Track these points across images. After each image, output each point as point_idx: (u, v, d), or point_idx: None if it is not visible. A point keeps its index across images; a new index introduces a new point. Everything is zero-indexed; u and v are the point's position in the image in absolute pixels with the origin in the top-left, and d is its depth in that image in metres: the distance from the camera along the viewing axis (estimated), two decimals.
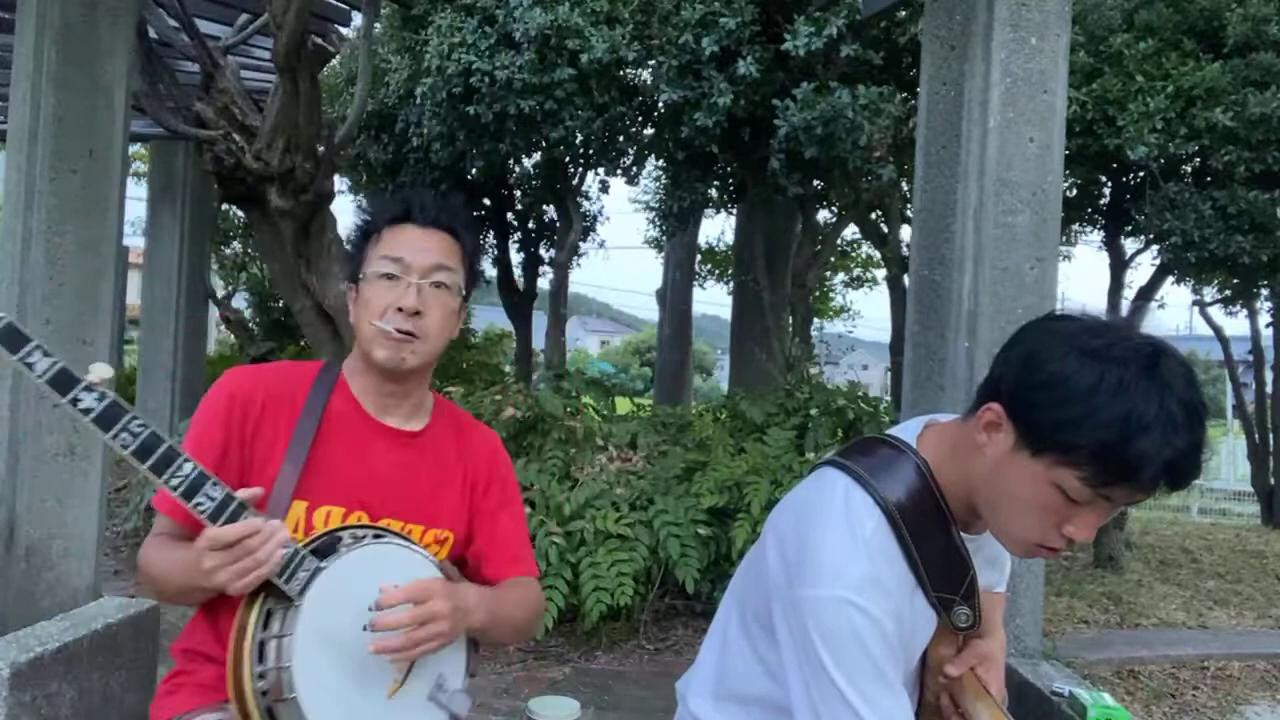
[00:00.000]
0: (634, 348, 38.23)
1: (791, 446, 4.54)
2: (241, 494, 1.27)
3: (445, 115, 6.39)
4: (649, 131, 7.26)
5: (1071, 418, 1.01)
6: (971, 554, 1.21)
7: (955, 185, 3.03)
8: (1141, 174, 5.48)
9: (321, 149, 4.93)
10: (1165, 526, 8.72)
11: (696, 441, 4.89)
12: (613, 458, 4.61)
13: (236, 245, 11.26)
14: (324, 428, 1.45)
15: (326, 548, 1.30)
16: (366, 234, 1.52)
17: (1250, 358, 9.85)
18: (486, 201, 9.76)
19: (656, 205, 8.46)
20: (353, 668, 1.27)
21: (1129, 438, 0.98)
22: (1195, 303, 9.07)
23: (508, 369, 10.31)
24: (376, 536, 1.36)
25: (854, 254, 12.32)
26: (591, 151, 7.60)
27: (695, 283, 12.17)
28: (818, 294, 11.08)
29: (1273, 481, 9.15)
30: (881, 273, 10.36)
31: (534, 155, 8.30)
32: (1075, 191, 6.15)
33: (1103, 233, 6.60)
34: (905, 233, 7.43)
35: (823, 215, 9.05)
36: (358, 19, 5.52)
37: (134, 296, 9.20)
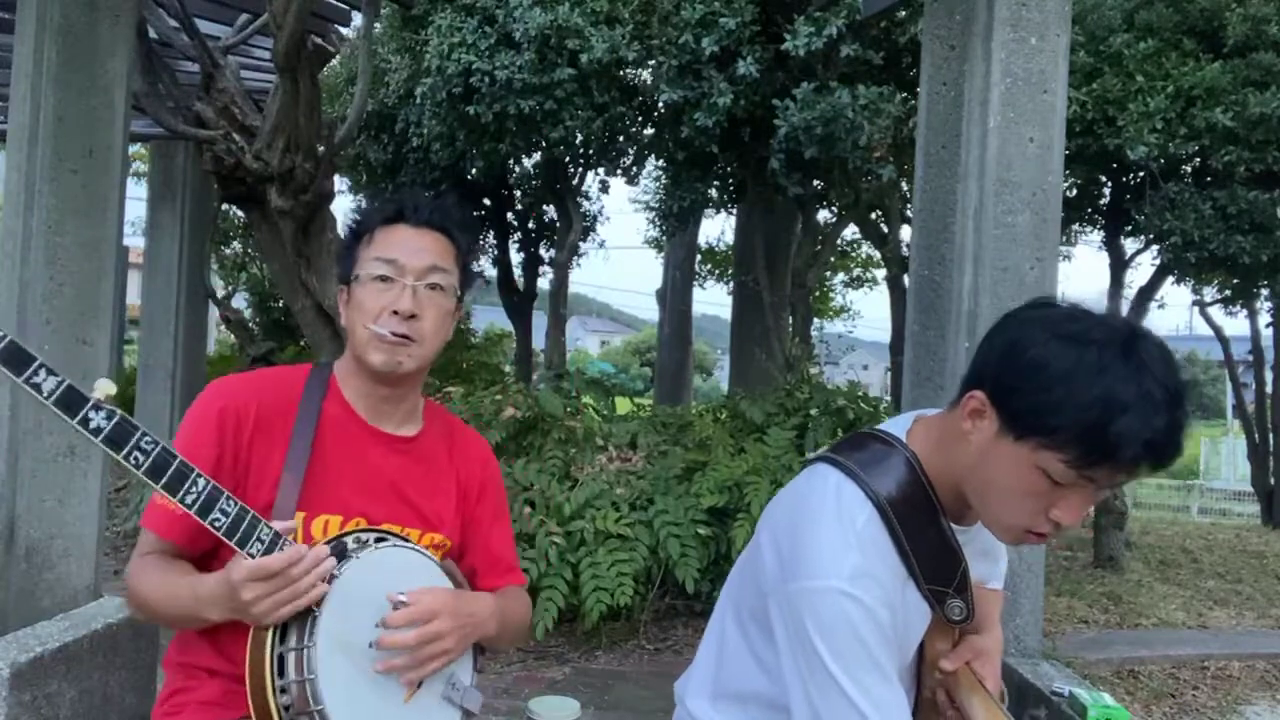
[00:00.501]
0: (634, 348, 38.23)
1: (791, 446, 4.54)
2: (279, 526, 1.25)
3: (445, 115, 6.39)
4: (649, 131, 7.27)
5: (1052, 401, 1.02)
6: (963, 546, 1.21)
7: (955, 185, 3.04)
8: (1141, 174, 5.48)
9: (321, 149, 4.92)
10: (1165, 526, 8.71)
11: (696, 441, 4.89)
12: (613, 458, 4.61)
13: (236, 245, 11.26)
14: (320, 436, 1.42)
15: (335, 554, 1.29)
16: (358, 234, 1.48)
17: (1250, 358, 9.86)
18: (486, 201, 9.76)
19: (656, 205, 8.46)
20: (371, 673, 1.27)
21: (1109, 418, 1.00)
22: (1195, 303, 9.08)
23: (508, 369, 10.31)
24: (379, 540, 1.36)
25: (854, 254, 12.32)
26: (591, 151, 7.61)
27: (695, 283, 12.18)
28: (818, 294, 11.08)
29: (1273, 481, 9.16)
30: (881, 273, 10.36)
31: (534, 155, 8.31)
32: (1075, 191, 6.15)
33: (1103, 233, 6.60)
34: (905, 233, 7.43)
35: (823, 215, 9.05)
36: (358, 19, 5.51)
37: (134, 296, 9.20)
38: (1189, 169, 5.49)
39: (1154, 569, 6.12)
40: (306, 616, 1.23)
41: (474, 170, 7.86)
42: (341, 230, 1.57)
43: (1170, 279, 6.62)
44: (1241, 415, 10.36)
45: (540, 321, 10.54)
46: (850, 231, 10.41)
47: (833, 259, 10.84)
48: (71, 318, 2.81)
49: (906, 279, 4.36)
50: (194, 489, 1.19)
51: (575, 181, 9.04)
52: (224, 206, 6.20)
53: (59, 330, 2.79)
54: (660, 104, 6.28)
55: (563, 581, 3.88)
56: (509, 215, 10.18)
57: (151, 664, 2.86)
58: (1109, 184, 6.14)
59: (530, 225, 10.27)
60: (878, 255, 10.53)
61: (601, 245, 11.15)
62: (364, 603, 1.27)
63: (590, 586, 3.88)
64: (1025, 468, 1.06)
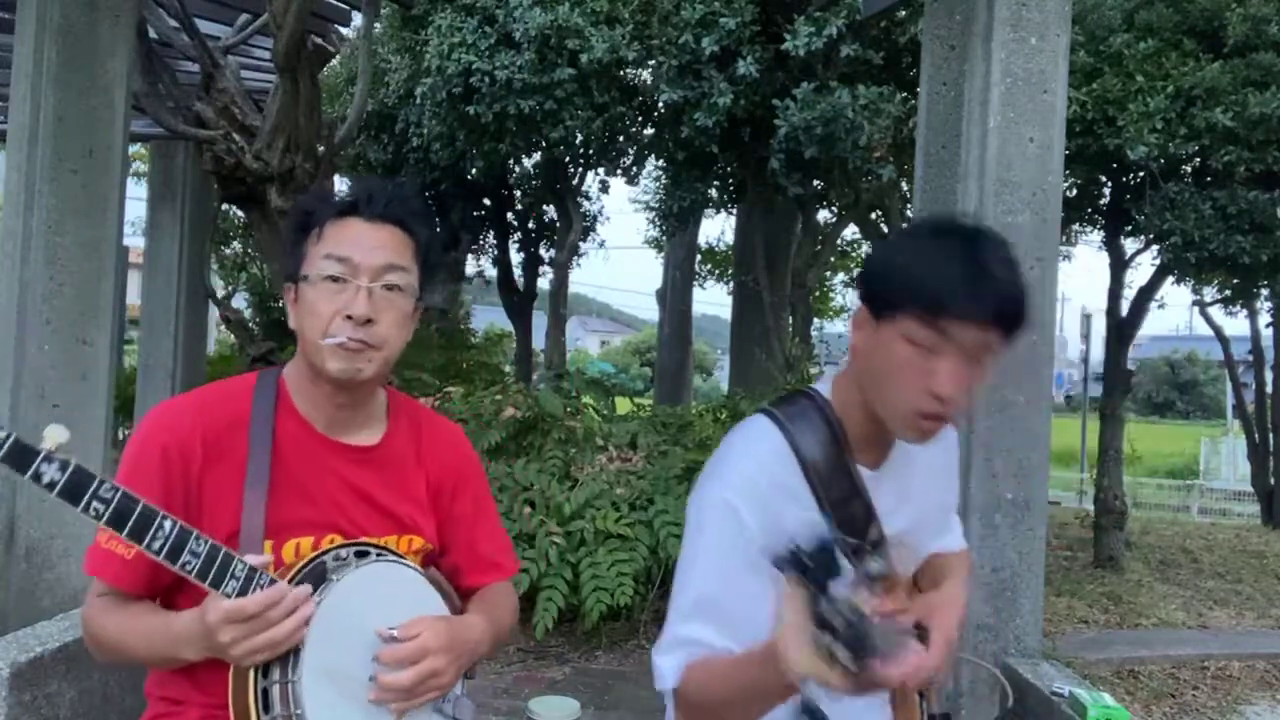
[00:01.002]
0: (634, 348, 38.22)
1: None
2: (253, 560, 1.18)
3: (445, 115, 6.40)
4: (649, 131, 7.27)
5: (895, 275, 1.20)
6: (895, 500, 1.32)
7: (955, 185, 3.03)
8: (1141, 174, 5.48)
9: (321, 149, 4.92)
10: (1165, 526, 8.71)
11: (696, 441, 4.89)
12: (613, 458, 4.61)
13: (236, 245, 11.27)
14: (277, 453, 1.32)
15: (313, 579, 1.22)
16: (306, 228, 1.34)
17: (1250, 358, 9.86)
18: (486, 201, 9.77)
19: (656, 205, 8.47)
20: (360, 697, 1.23)
21: (939, 270, 1.16)
22: (1195, 303, 9.07)
23: (508, 369, 10.31)
24: (360, 555, 1.29)
25: (854, 254, 12.32)
26: (591, 151, 7.61)
27: (695, 283, 12.18)
28: (818, 294, 11.08)
29: (1273, 481, 9.15)
30: None
31: (534, 155, 8.31)
32: (1075, 191, 6.14)
33: (1103, 233, 6.60)
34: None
35: (823, 215, 9.05)
36: (358, 19, 5.51)
37: (134, 296, 9.20)
38: (1189, 169, 5.48)
39: (1154, 569, 6.13)
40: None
41: (474, 170, 7.87)
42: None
43: (1170, 279, 6.61)
44: (1241, 415, 10.36)
45: (540, 321, 10.55)
46: (850, 231, 10.41)
47: (833, 259, 10.84)
48: (71, 318, 2.81)
49: None
50: (160, 534, 1.11)
51: (575, 181, 9.05)
52: (224, 206, 6.20)
53: (59, 330, 2.79)
54: (660, 104, 6.29)
55: (563, 581, 3.88)
56: (509, 215, 10.19)
57: None
58: (1109, 184, 6.13)
59: (530, 225, 10.28)
60: None
61: (601, 245, 11.16)
62: (349, 629, 1.22)
63: (590, 586, 3.88)
64: (894, 343, 1.19)
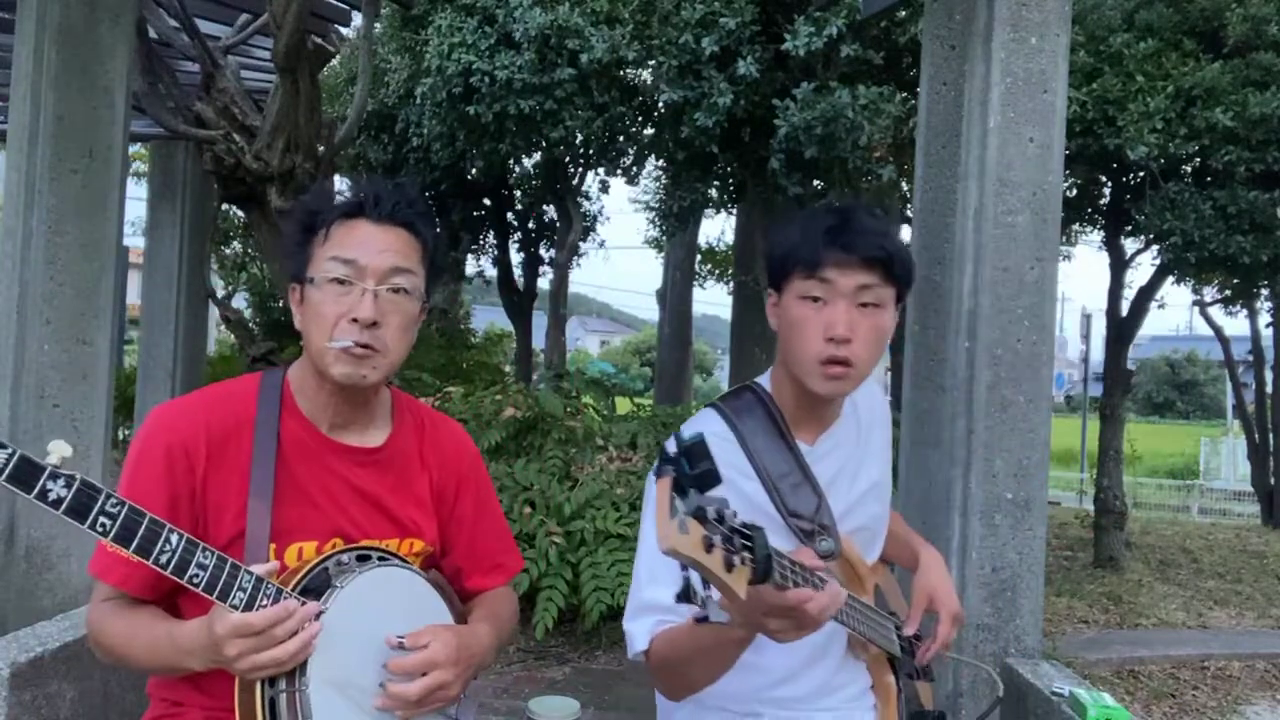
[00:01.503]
0: (634, 348, 38.22)
1: None
2: (259, 570, 1.18)
3: (445, 115, 6.39)
4: (649, 131, 7.26)
5: (776, 249, 1.41)
6: (835, 472, 1.45)
7: (955, 185, 3.03)
8: (1141, 174, 5.48)
9: (321, 149, 4.92)
10: (1165, 526, 8.72)
11: None
12: (613, 458, 4.61)
13: (236, 245, 11.27)
14: (281, 456, 1.31)
15: (316, 585, 1.22)
16: (311, 229, 1.33)
17: (1250, 358, 9.86)
18: (486, 201, 9.77)
19: (656, 205, 8.46)
20: (368, 704, 1.22)
21: (812, 230, 1.36)
22: (1195, 303, 9.07)
23: (508, 369, 10.31)
24: (361, 559, 1.29)
25: None
26: (591, 151, 7.61)
27: (695, 283, 12.18)
28: None
29: (1273, 481, 9.16)
30: None
31: (534, 155, 8.31)
32: (1075, 191, 6.14)
33: (1103, 233, 6.60)
34: (905, 233, 7.43)
35: None
36: (358, 19, 5.51)
37: (134, 296, 9.20)
38: (1189, 169, 5.48)
39: (1154, 569, 6.13)
40: None
41: (474, 170, 7.87)
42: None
43: (1170, 279, 6.61)
44: (1241, 415, 10.36)
45: (540, 321, 10.55)
46: None
47: None
48: (71, 318, 2.81)
49: None
50: (167, 548, 1.11)
51: (575, 181, 9.05)
52: (224, 206, 6.20)
53: (59, 330, 2.79)
54: (660, 104, 6.28)
55: (563, 581, 3.88)
56: (509, 215, 10.19)
57: None
58: (1109, 184, 6.13)
59: (530, 225, 10.28)
60: None
61: (601, 245, 11.16)
62: (355, 636, 1.22)
63: (590, 586, 3.88)
64: (793, 307, 1.37)
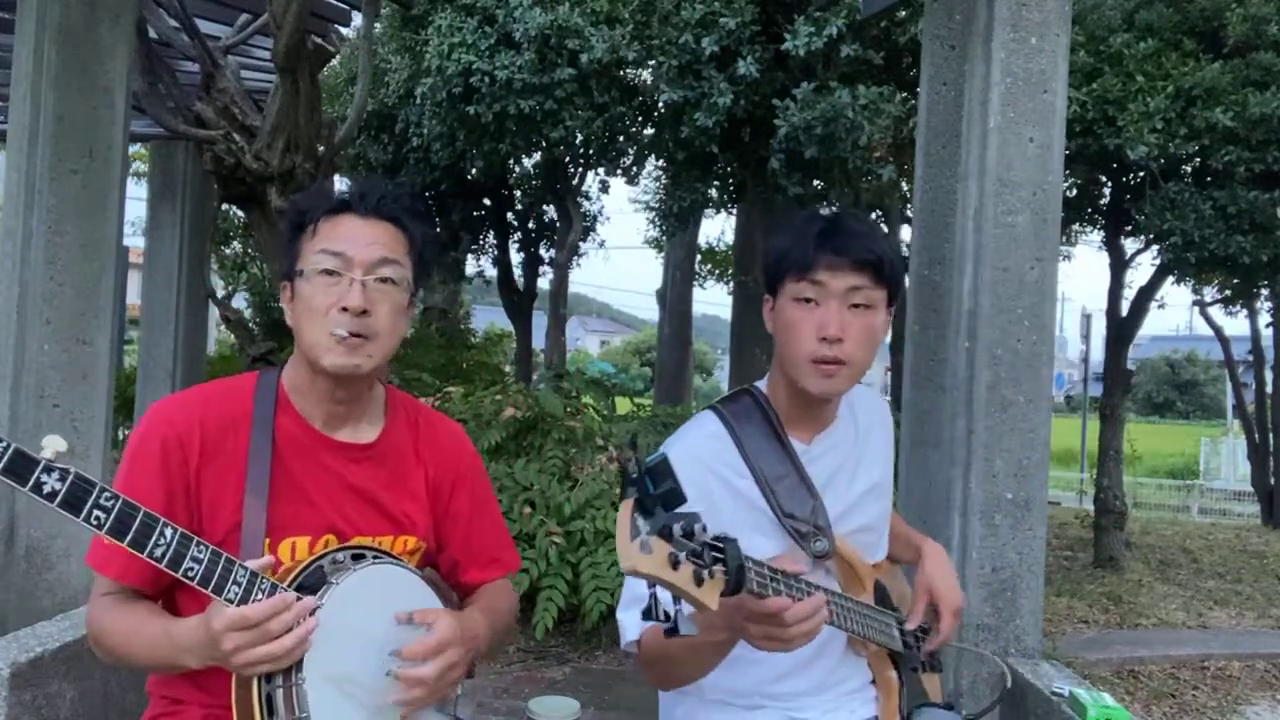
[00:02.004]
0: (634, 348, 38.21)
1: None
2: (254, 565, 1.18)
3: (445, 115, 6.39)
4: (649, 131, 7.26)
5: (770, 254, 1.47)
6: (832, 472, 1.47)
7: (955, 185, 3.03)
8: (1141, 174, 5.48)
9: (321, 149, 4.92)
10: (1165, 526, 8.72)
11: None
12: (613, 458, 4.61)
13: (236, 245, 11.26)
14: (277, 456, 1.33)
15: (312, 582, 1.22)
16: (300, 226, 1.36)
17: (1250, 358, 9.86)
18: (486, 201, 9.77)
19: (656, 205, 8.46)
20: (366, 701, 1.22)
21: (803, 235, 1.42)
22: (1195, 303, 9.07)
23: (508, 369, 10.31)
24: (356, 558, 1.29)
25: None
26: (591, 151, 7.61)
27: (695, 283, 12.18)
28: None
29: (1273, 481, 9.16)
30: None
31: (534, 155, 8.31)
32: (1075, 191, 6.14)
33: (1103, 233, 6.60)
34: (905, 233, 7.43)
35: None
36: (358, 19, 5.51)
37: (134, 296, 9.20)
38: (1189, 169, 5.48)
39: (1154, 569, 6.13)
40: None
41: (474, 170, 7.87)
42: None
43: (1170, 279, 6.62)
44: (1241, 415, 10.36)
45: (540, 321, 10.55)
46: None
47: None
48: (71, 318, 2.81)
49: (906, 279, 4.36)
50: (162, 541, 1.11)
51: (575, 181, 9.05)
52: (224, 206, 6.20)
53: (59, 330, 2.79)
54: (660, 104, 6.28)
55: (563, 581, 3.88)
56: (509, 215, 10.19)
57: None
58: (1109, 184, 6.13)
59: (530, 225, 10.28)
60: None
61: (601, 245, 11.17)
62: (352, 632, 1.22)
63: (590, 586, 3.88)
64: (787, 309, 1.42)
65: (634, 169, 8.61)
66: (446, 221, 9.37)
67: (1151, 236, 5.84)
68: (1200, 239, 5.07)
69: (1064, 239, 7.28)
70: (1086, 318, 17.58)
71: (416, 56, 6.80)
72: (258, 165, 4.59)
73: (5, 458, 1.04)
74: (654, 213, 8.87)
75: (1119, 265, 6.54)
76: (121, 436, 7.94)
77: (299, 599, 1.17)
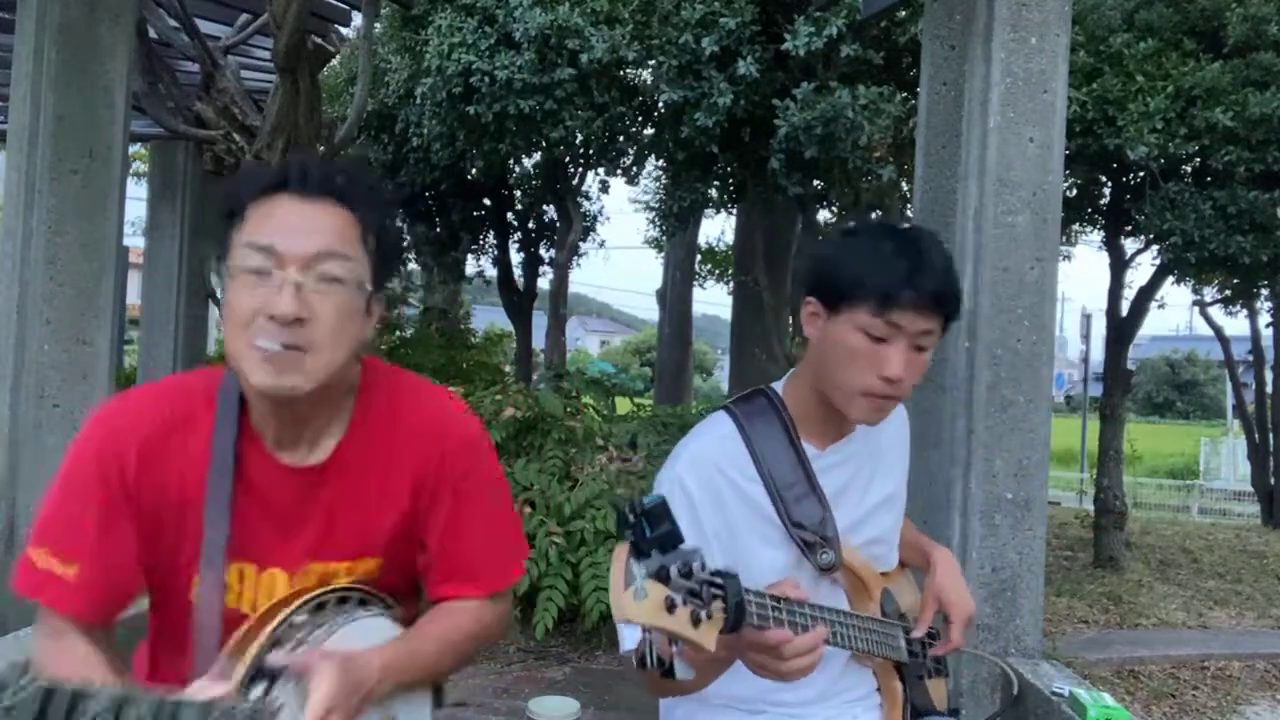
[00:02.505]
0: (634, 348, 38.20)
1: None
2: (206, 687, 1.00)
3: (445, 115, 6.39)
4: (649, 131, 7.26)
5: (843, 270, 1.33)
6: (845, 481, 1.43)
7: (955, 185, 3.04)
8: (1141, 174, 5.48)
9: (322, 149, 4.93)
10: (1165, 526, 8.72)
11: None
12: (613, 458, 4.61)
13: None
14: (239, 469, 1.15)
15: (268, 677, 1.05)
16: (230, 214, 1.11)
17: (1250, 358, 9.85)
18: (486, 201, 9.77)
19: (656, 205, 8.46)
20: None
21: (887, 267, 1.29)
22: (1195, 303, 9.06)
23: (508, 369, 10.31)
24: (316, 625, 1.12)
25: None
26: (591, 151, 7.61)
27: (695, 283, 12.18)
28: None
29: (1273, 481, 9.15)
30: None
31: (534, 155, 8.31)
32: (1075, 191, 6.14)
33: (1103, 233, 6.60)
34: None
35: (823, 215, 9.04)
36: (358, 19, 5.51)
37: (134, 296, 9.20)
38: (1189, 169, 5.48)
39: (1154, 569, 6.13)
40: None
41: (474, 170, 7.87)
42: None
43: (1170, 279, 6.61)
44: (1241, 415, 10.35)
45: (540, 321, 10.55)
46: None
47: None
48: (71, 318, 2.81)
49: None
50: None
51: (575, 181, 9.05)
52: None
53: (59, 330, 2.79)
54: (660, 104, 6.28)
55: (563, 581, 3.88)
56: (509, 215, 10.18)
57: None
58: (1109, 184, 6.13)
59: (530, 225, 10.27)
60: None
61: (601, 245, 11.15)
62: None
63: (590, 586, 3.88)
64: (848, 334, 1.32)
65: (634, 169, 8.62)
66: (446, 221, 9.38)
67: (1151, 236, 5.83)
68: (1200, 239, 5.07)
69: (1064, 239, 7.27)
70: (1086, 318, 17.58)
71: (416, 56, 6.80)
72: (258, 165, 4.59)
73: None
74: (654, 213, 8.87)
75: (1119, 265, 6.53)
76: None
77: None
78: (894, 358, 1.30)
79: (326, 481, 1.19)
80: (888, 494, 1.51)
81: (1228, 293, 8.17)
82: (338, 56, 7.18)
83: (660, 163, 8.13)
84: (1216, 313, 9.30)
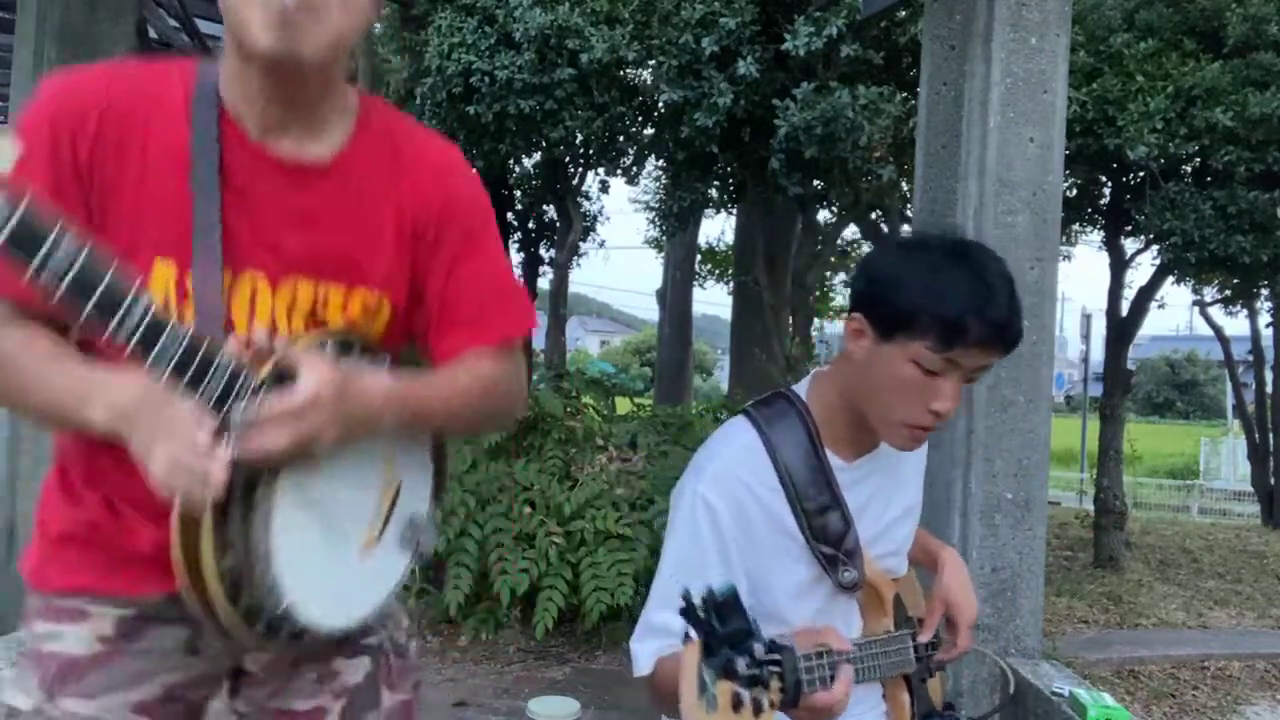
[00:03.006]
0: (634, 348, 38.20)
1: None
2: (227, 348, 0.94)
3: (445, 115, 6.39)
4: (649, 131, 7.26)
5: (904, 297, 1.22)
6: (868, 497, 1.37)
7: (955, 185, 3.04)
8: (1141, 174, 5.48)
9: None
10: (1165, 526, 8.72)
11: (696, 441, 4.87)
12: (613, 458, 4.61)
13: None
14: (224, 158, 1.04)
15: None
16: None
17: (1250, 358, 9.86)
18: None
19: (656, 205, 8.47)
20: (324, 527, 1.05)
21: (954, 303, 1.19)
22: (1195, 303, 9.07)
23: None
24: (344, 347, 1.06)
25: (854, 254, 12.31)
26: (591, 151, 7.60)
27: (695, 283, 12.18)
28: (818, 294, 11.08)
29: (1273, 481, 9.15)
30: None
31: (534, 155, 8.30)
32: (1075, 191, 6.15)
33: (1103, 233, 6.60)
34: (905, 233, 7.42)
35: (823, 215, 9.05)
36: None
37: None
38: (1189, 169, 5.48)
39: (1154, 569, 6.13)
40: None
41: (474, 170, 7.85)
42: None
43: (1170, 279, 6.61)
44: (1241, 415, 10.36)
45: (540, 321, 10.55)
46: (850, 231, 10.42)
47: (833, 259, 10.84)
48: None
49: None
50: (129, 316, 0.87)
51: (575, 181, 9.04)
52: None
53: None
54: (660, 104, 6.28)
55: (563, 581, 3.88)
56: (509, 215, 10.19)
57: None
58: (1109, 184, 6.13)
59: (530, 225, 10.27)
60: None
61: (601, 245, 11.15)
62: (340, 460, 1.04)
63: (590, 586, 3.88)
64: (899, 363, 1.23)
65: (634, 169, 8.62)
66: None
67: (1151, 236, 5.84)
68: (1200, 239, 5.07)
69: (1064, 239, 7.28)
70: (1086, 318, 17.58)
71: (416, 56, 6.80)
72: None
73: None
74: (654, 213, 8.88)
75: (1119, 265, 6.54)
76: None
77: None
78: (947, 392, 1.23)
79: (328, 184, 1.10)
80: (907, 506, 1.47)
81: (1228, 293, 8.18)
82: None
83: (660, 163, 8.14)
84: (1216, 313, 9.31)
